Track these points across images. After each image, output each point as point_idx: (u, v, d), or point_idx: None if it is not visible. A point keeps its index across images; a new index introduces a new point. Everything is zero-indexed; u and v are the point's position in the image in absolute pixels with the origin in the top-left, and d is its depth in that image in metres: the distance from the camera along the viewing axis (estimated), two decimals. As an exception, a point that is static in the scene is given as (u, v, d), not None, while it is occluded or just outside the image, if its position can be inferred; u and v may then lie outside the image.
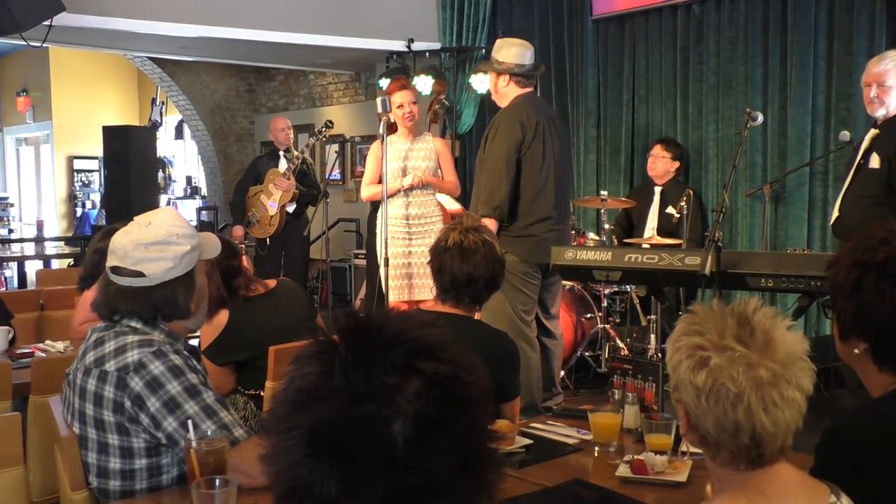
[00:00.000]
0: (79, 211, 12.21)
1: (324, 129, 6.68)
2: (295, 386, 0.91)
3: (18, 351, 3.40)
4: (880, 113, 3.82)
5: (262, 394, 2.85)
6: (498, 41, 4.49)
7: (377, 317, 0.94)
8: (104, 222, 9.54)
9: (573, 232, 5.06)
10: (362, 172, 8.07)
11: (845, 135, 4.50)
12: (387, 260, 4.47)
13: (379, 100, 4.45)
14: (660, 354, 4.93)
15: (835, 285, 1.57)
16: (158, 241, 1.91)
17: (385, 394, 0.86)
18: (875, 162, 3.77)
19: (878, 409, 1.54)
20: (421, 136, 4.77)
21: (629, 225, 5.75)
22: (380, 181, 4.53)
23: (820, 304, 3.26)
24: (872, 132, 3.88)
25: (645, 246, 4.96)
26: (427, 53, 6.92)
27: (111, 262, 1.94)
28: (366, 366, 0.88)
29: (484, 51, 6.60)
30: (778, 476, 1.24)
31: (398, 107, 4.65)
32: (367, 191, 4.82)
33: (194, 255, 1.97)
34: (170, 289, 1.93)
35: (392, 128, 4.70)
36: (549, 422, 2.41)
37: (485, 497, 0.90)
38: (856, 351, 1.54)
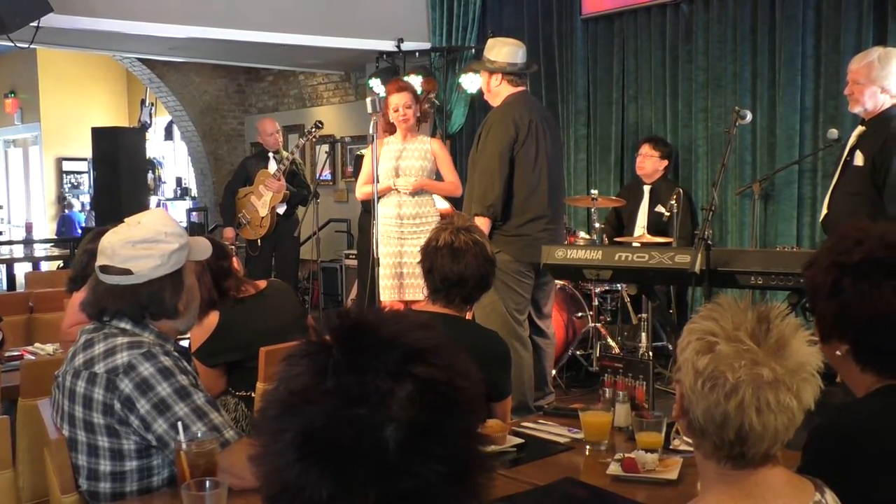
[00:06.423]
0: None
1: (314, 130, 6.66)
2: (286, 387, 0.89)
3: (7, 354, 3.38)
4: (857, 110, 3.85)
5: (253, 395, 2.85)
6: (490, 40, 4.49)
7: (371, 317, 0.92)
8: (93, 224, 9.50)
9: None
10: (353, 173, 8.11)
11: (833, 132, 4.51)
12: (378, 260, 4.46)
13: (369, 100, 4.43)
14: (650, 353, 4.95)
15: (813, 287, 1.56)
16: (146, 239, 1.91)
17: (378, 398, 0.85)
18: (859, 159, 3.79)
19: (862, 408, 1.54)
20: (417, 137, 4.76)
21: (619, 224, 5.77)
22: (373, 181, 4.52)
23: (800, 306, 3.26)
24: (859, 129, 3.90)
25: (635, 244, 4.97)
26: (417, 53, 6.92)
27: (100, 261, 1.93)
28: (359, 368, 0.86)
29: (474, 50, 6.60)
30: (764, 479, 1.24)
31: (394, 110, 4.64)
32: (362, 190, 4.82)
33: (182, 253, 1.96)
34: (157, 286, 1.92)
35: (392, 127, 4.71)
36: (541, 421, 2.41)
37: (476, 502, 0.90)
38: (838, 353, 1.54)
